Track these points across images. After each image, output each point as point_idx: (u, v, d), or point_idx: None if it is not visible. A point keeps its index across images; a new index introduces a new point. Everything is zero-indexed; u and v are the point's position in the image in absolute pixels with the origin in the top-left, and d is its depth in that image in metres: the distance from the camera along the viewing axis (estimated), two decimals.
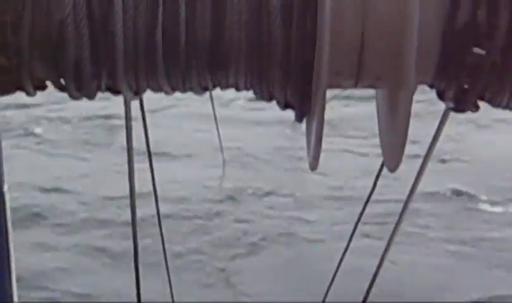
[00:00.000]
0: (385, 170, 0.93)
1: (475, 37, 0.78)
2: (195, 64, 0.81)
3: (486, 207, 5.46)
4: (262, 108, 6.25)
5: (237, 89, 0.90)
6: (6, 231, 1.64)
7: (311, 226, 5.19)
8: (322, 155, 0.85)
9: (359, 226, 1.44)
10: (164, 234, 1.69)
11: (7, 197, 1.67)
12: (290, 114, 0.88)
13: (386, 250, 1.19)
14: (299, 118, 0.87)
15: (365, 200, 1.26)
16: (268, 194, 5.70)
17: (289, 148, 6.32)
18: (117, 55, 0.76)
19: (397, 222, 1.15)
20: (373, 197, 1.26)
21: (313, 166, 0.88)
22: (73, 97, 0.82)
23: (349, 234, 1.49)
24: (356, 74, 0.84)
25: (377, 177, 0.99)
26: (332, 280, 1.57)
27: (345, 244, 1.54)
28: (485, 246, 4.85)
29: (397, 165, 0.88)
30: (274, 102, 0.87)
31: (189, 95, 0.88)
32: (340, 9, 0.78)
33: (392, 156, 0.87)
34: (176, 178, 5.77)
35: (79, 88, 0.79)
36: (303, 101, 0.85)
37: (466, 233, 5.02)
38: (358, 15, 0.80)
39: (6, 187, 1.66)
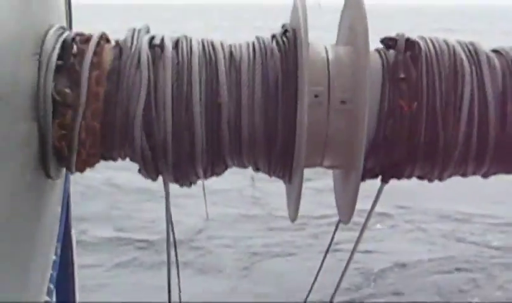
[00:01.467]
0: None
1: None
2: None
3: None
4: None
5: (245, 167, 1.33)
6: (73, 274, 2.06)
7: None
8: None
9: None
10: None
11: (74, 240, 2.10)
12: None
13: None
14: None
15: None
16: None
17: None
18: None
19: None
20: None
21: (294, 218, 1.31)
22: None
23: None
24: (321, 159, 1.28)
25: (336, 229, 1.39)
26: None
27: None
28: None
29: (349, 219, 1.31)
30: None
31: None
32: (312, 119, 1.22)
33: (346, 214, 1.31)
34: None
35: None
36: (285, 174, 1.29)
37: None
38: (323, 124, 1.25)
39: (73, 232, 2.09)
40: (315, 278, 1.45)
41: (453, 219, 7.30)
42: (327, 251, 1.42)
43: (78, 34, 1.23)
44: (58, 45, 1.18)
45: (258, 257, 6.08)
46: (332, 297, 1.54)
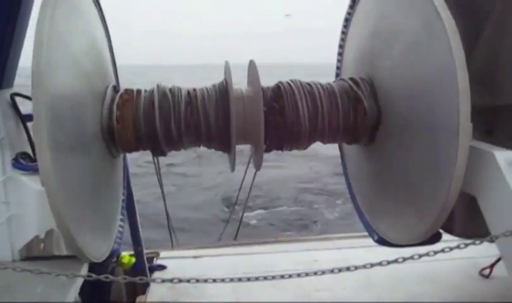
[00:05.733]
0: None
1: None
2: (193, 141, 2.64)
3: None
4: None
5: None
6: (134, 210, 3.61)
7: None
8: None
9: None
10: None
11: (133, 191, 3.59)
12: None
13: None
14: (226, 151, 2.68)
15: None
16: None
17: None
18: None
19: None
20: None
21: (232, 170, 2.67)
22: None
23: None
24: (244, 139, 2.64)
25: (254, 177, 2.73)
26: None
27: None
28: None
29: (259, 169, 2.68)
30: None
31: None
32: (237, 112, 2.56)
33: (257, 166, 2.68)
34: None
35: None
36: (226, 149, 2.67)
37: None
38: (241, 115, 2.59)
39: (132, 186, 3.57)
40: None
41: None
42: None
43: (124, 90, 2.62)
44: (113, 97, 2.56)
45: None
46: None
